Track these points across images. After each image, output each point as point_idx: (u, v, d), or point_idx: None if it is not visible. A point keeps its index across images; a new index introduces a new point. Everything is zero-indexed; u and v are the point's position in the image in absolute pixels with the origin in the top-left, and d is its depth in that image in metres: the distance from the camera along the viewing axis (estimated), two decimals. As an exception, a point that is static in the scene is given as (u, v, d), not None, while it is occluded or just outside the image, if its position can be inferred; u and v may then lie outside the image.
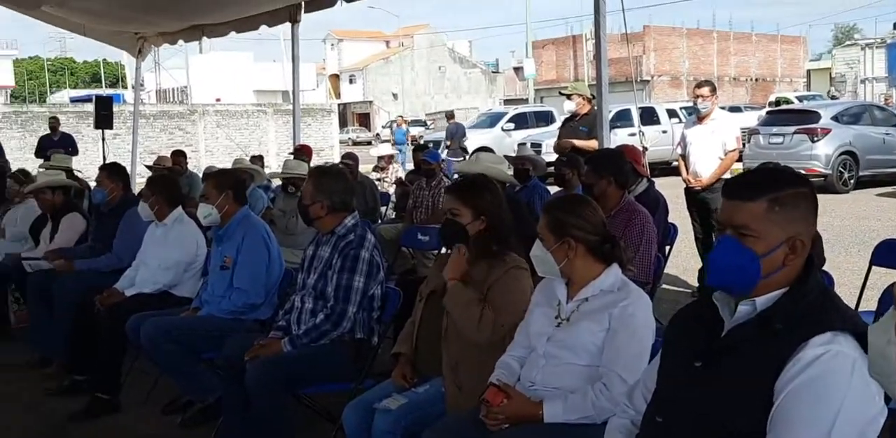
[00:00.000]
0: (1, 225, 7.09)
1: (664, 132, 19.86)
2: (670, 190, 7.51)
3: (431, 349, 3.32)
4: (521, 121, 23.59)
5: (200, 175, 9.86)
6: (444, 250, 4.28)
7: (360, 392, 3.56)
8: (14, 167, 10.57)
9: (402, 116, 29.04)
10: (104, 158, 12.86)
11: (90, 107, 24.01)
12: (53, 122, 14.70)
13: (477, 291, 3.16)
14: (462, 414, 2.94)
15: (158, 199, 5.14)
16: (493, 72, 69.88)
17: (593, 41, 7.39)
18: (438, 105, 53.26)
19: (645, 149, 8.15)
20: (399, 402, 3.12)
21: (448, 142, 18.97)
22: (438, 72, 64.89)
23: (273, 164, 21.54)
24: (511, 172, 6.82)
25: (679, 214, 6.92)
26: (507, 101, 50.11)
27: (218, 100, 38.93)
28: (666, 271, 6.07)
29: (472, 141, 20.03)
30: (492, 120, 24.53)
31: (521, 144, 12.65)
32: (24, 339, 6.10)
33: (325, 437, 3.87)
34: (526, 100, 39.77)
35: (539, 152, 15.70)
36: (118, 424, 4.65)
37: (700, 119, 7.21)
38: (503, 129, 23.07)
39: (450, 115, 21.63)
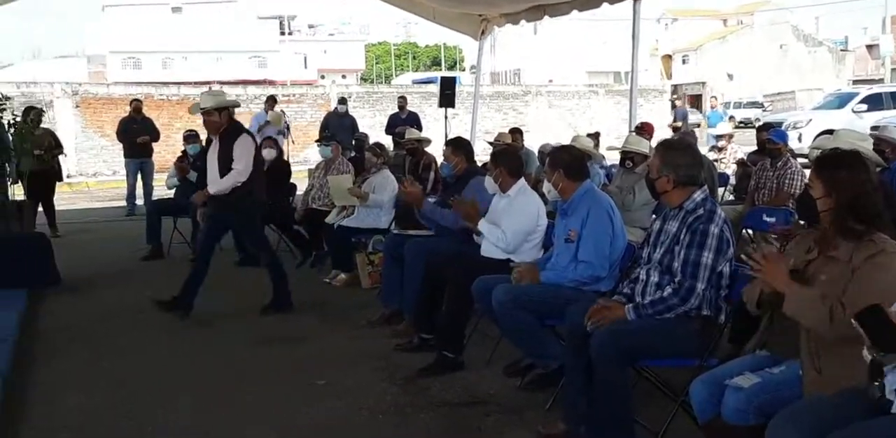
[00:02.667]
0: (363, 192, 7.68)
1: None
2: None
3: (787, 330, 3.14)
4: (874, 103, 21.73)
5: (535, 153, 10.11)
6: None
7: (704, 369, 3.47)
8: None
9: (715, 97, 27.82)
10: (446, 136, 13.55)
11: (432, 88, 25.50)
12: (402, 102, 15.71)
13: (834, 281, 2.93)
14: (822, 398, 2.77)
15: (502, 171, 5.33)
16: (842, 50, 64.65)
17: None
18: (777, 86, 50.23)
19: None
20: (752, 381, 2.99)
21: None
22: (780, 50, 61.17)
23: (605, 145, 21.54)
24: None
25: None
26: (857, 82, 46.18)
27: (550, 81, 39.64)
28: None
29: (817, 123, 18.79)
30: (840, 101, 22.81)
31: (876, 127, 11.61)
32: (377, 298, 6.63)
33: (664, 411, 3.82)
34: (880, 81, 36.41)
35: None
36: (462, 382, 4.89)
37: None
38: (854, 111, 21.37)
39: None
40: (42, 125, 10.70)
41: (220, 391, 4.88)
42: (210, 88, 22.69)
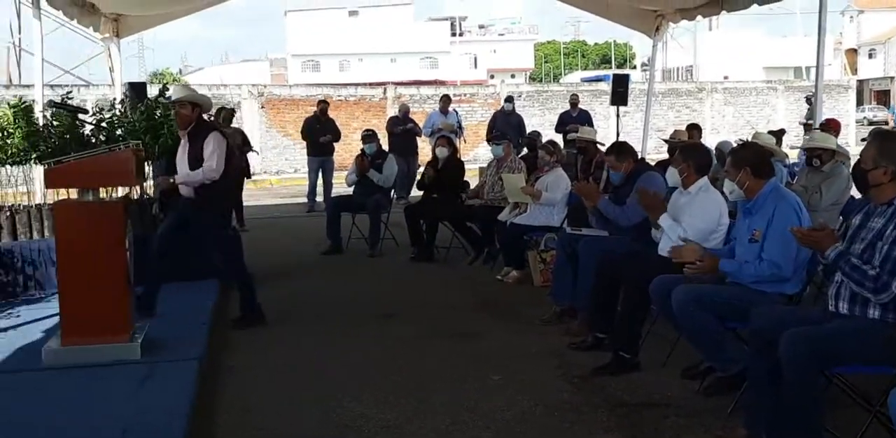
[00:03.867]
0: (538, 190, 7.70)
1: None
2: None
3: None
4: None
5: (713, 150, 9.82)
6: None
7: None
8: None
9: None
10: (617, 134, 13.38)
11: (602, 85, 25.22)
12: (574, 99, 15.61)
13: None
14: None
15: (689, 167, 5.22)
16: None
17: None
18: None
19: None
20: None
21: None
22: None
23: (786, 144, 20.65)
24: None
25: None
26: None
27: (725, 77, 38.35)
28: None
29: None
30: None
31: None
32: (548, 296, 6.63)
33: (854, 421, 3.65)
34: None
35: None
36: (638, 383, 4.84)
37: None
38: None
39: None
40: (231, 124, 11.29)
41: (399, 382, 5.01)
42: (389, 89, 23.33)
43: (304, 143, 14.26)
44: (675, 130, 10.38)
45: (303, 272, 8.66)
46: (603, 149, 7.90)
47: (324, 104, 14.17)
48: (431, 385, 4.96)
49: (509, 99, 16.04)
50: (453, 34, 68.39)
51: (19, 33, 26.42)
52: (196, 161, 6.13)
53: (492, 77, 57.69)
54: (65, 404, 4.48)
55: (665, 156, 10.16)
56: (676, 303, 4.41)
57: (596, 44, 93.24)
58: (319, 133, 13.62)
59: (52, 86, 15.59)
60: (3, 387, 4.80)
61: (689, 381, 4.77)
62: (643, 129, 14.09)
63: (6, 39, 27.50)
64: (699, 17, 12.06)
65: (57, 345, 5.18)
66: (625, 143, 6.52)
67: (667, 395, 4.63)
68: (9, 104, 7.45)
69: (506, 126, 14.40)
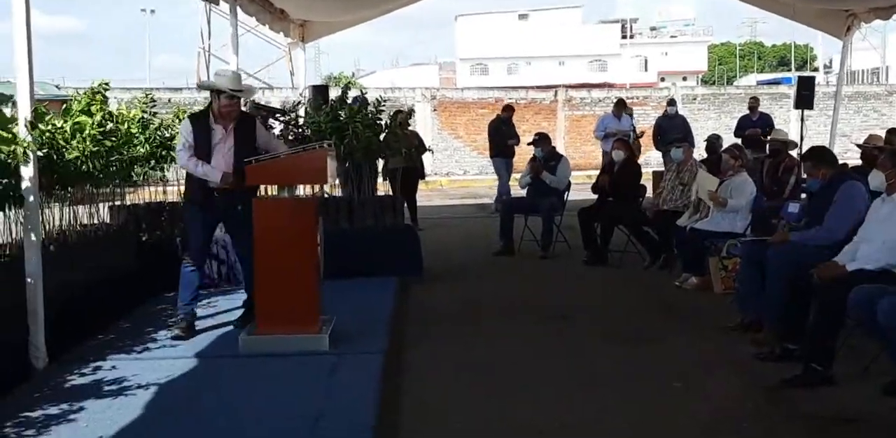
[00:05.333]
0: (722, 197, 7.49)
1: None
2: None
3: None
4: None
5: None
6: None
7: None
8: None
9: None
10: (801, 139, 12.82)
11: (782, 88, 24.24)
12: (753, 103, 15.03)
13: None
14: None
15: (894, 173, 4.97)
16: None
17: None
18: None
19: None
20: None
21: None
22: None
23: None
24: None
25: None
26: None
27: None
28: None
29: None
30: None
31: None
32: (730, 304, 6.45)
33: None
34: None
35: None
36: (831, 397, 4.62)
37: None
38: None
39: None
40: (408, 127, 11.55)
41: (577, 385, 4.99)
42: (559, 92, 23.30)
43: (475, 145, 14.47)
44: (871, 135, 9.84)
45: (475, 272, 8.76)
46: (794, 153, 7.60)
47: (510, 108, 14.45)
48: (609, 387, 4.92)
49: (671, 102, 15.76)
50: (623, 36, 67.47)
51: (209, 39, 27.91)
52: (249, 151, 5.68)
53: (662, 80, 56.52)
54: (261, 389, 4.73)
55: (851, 161, 9.65)
56: (883, 315, 4.20)
57: (773, 45, 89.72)
58: (506, 135, 13.90)
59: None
60: (204, 372, 5.11)
61: (889, 398, 4.51)
62: (829, 133, 13.43)
63: (198, 45, 29.00)
64: (896, 17, 11.39)
65: (252, 334, 5.48)
66: (824, 149, 6.26)
67: (863, 411, 4.40)
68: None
69: (669, 129, 14.15)
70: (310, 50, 16.35)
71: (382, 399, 4.61)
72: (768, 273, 5.73)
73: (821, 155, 6.05)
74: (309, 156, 5.45)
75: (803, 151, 6.56)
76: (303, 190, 7.07)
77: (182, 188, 6.20)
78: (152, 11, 69.85)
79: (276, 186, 5.87)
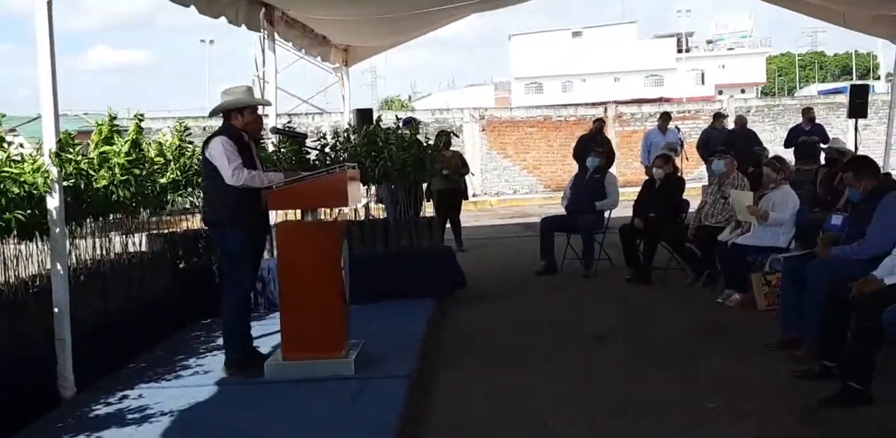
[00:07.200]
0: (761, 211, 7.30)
1: None
2: None
3: None
4: None
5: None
6: None
7: None
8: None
9: None
10: (855, 148, 12.50)
11: (840, 98, 23.66)
12: (807, 113, 14.72)
13: None
14: None
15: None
16: None
17: None
18: None
19: None
20: None
21: None
22: None
23: None
24: None
25: None
26: None
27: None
28: None
29: None
30: None
31: None
32: (774, 320, 6.25)
33: None
34: None
35: None
36: (870, 416, 4.44)
37: None
38: None
39: None
40: (452, 148, 11.54)
41: (608, 405, 4.86)
42: (609, 107, 23.12)
43: (524, 164, 14.39)
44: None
45: (517, 291, 8.65)
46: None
47: (600, 123, 14.35)
48: (642, 409, 4.78)
49: (718, 115, 15.53)
50: (679, 51, 66.82)
51: (263, 66, 28.40)
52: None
53: (720, 93, 55.76)
54: (283, 415, 4.69)
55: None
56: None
57: (836, 54, 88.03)
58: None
59: (288, 115, 16.61)
60: (229, 399, 5.10)
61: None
62: (885, 143, 13.06)
63: (253, 73, 29.50)
64: (950, 19, 11.06)
65: (279, 359, 5.46)
66: (866, 158, 6.05)
67: (904, 432, 4.21)
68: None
69: (718, 142, 13.88)
70: (367, 74, 16.51)
71: (407, 423, 4.55)
72: (808, 289, 5.57)
73: (862, 165, 5.85)
74: (329, 180, 5.43)
75: None
76: (337, 213, 7.08)
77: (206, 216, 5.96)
78: (211, 42, 71.28)
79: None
